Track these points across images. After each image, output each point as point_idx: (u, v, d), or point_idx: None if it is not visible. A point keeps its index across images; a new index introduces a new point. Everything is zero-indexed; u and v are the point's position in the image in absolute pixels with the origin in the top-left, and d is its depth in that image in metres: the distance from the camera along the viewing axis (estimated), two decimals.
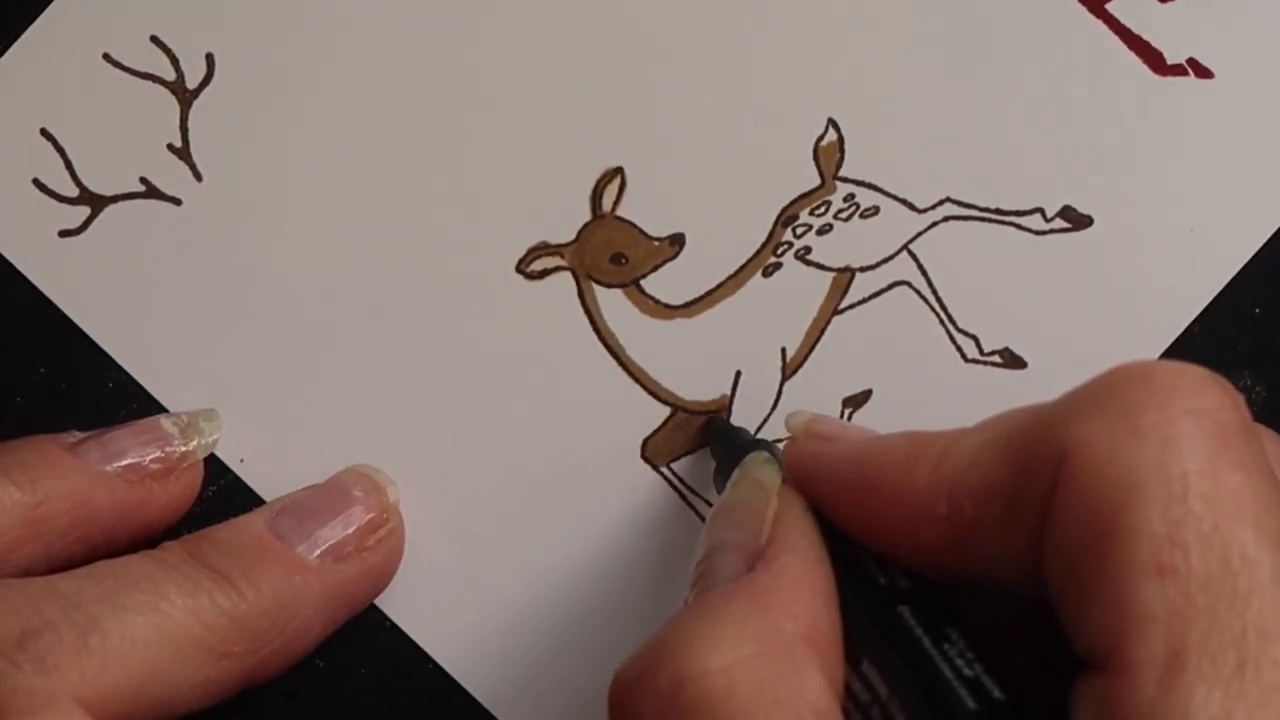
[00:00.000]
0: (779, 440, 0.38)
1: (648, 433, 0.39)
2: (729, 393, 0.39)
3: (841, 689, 0.28)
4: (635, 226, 0.40)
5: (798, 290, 0.39)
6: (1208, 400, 0.27)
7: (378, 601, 0.39)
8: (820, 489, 0.31)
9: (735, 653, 0.27)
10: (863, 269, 0.39)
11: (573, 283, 0.40)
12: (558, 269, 0.40)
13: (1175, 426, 0.27)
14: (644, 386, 0.39)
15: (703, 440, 0.39)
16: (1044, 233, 0.39)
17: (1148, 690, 0.25)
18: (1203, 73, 0.39)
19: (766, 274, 0.39)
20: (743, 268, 0.39)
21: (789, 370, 0.39)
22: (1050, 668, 0.28)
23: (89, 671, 0.32)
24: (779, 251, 0.39)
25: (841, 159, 0.40)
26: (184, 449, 0.38)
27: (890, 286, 0.39)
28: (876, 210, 0.39)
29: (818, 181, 0.39)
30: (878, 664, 0.28)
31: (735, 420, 0.39)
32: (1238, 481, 0.26)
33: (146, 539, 0.37)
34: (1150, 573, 0.26)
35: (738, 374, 0.39)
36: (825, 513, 0.31)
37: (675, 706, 0.27)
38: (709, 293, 0.39)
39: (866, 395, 0.39)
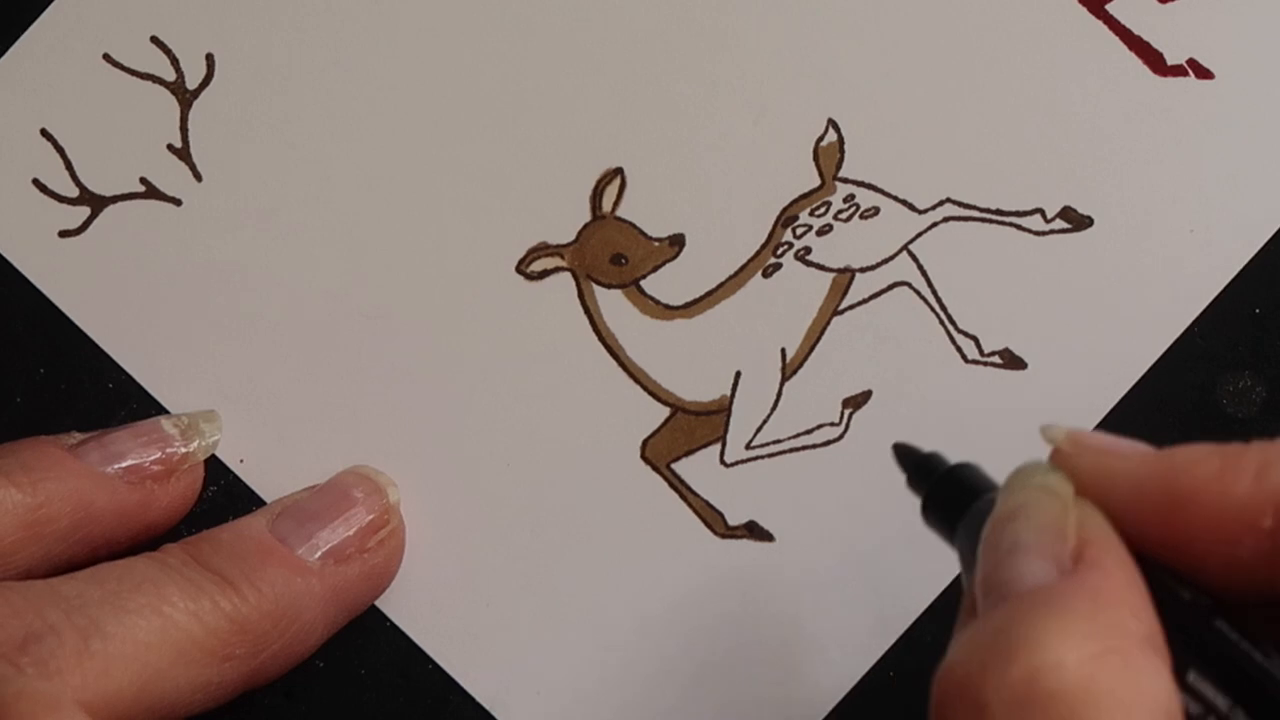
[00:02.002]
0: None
1: (648, 433, 0.39)
2: (729, 393, 0.39)
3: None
4: (635, 227, 0.40)
5: (798, 290, 0.39)
6: None
7: (378, 601, 0.39)
8: (1116, 504, 0.30)
9: (1090, 647, 0.27)
10: (863, 269, 0.39)
11: (573, 283, 0.40)
12: (558, 269, 0.40)
13: None
14: (644, 387, 0.39)
15: (905, 471, 0.37)
16: (1044, 233, 0.39)
17: None
18: (1203, 73, 0.39)
19: (766, 274, 0.39)
20: (743, 268, 0.39)
21: (789, 370, 0.39)
22: None
23: (91, 674, 0.32)
24: (779, 252, 0.39)
25: (841, 159, 0.40)
26: (184, 450, 0.38)
27: (890, 287, 0.39)
28: (876, 211, 0.39)
29: (818, 182, 0.39)
30: (1209, 676, 0.28)
31: (735, 422, 0.39)
32: None
33: (147, 540, 0.37)
34: None
35: (738, 374, 0.39)
36: (1119, 528, 0.30)
37: (1030, 698, 0.27)
38: (709, 293, 0.39)
39: (866, 395, 0.39)
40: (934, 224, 0.39)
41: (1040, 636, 0.27)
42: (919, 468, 0.35)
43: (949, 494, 0.33)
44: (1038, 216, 0.39)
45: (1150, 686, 0.27)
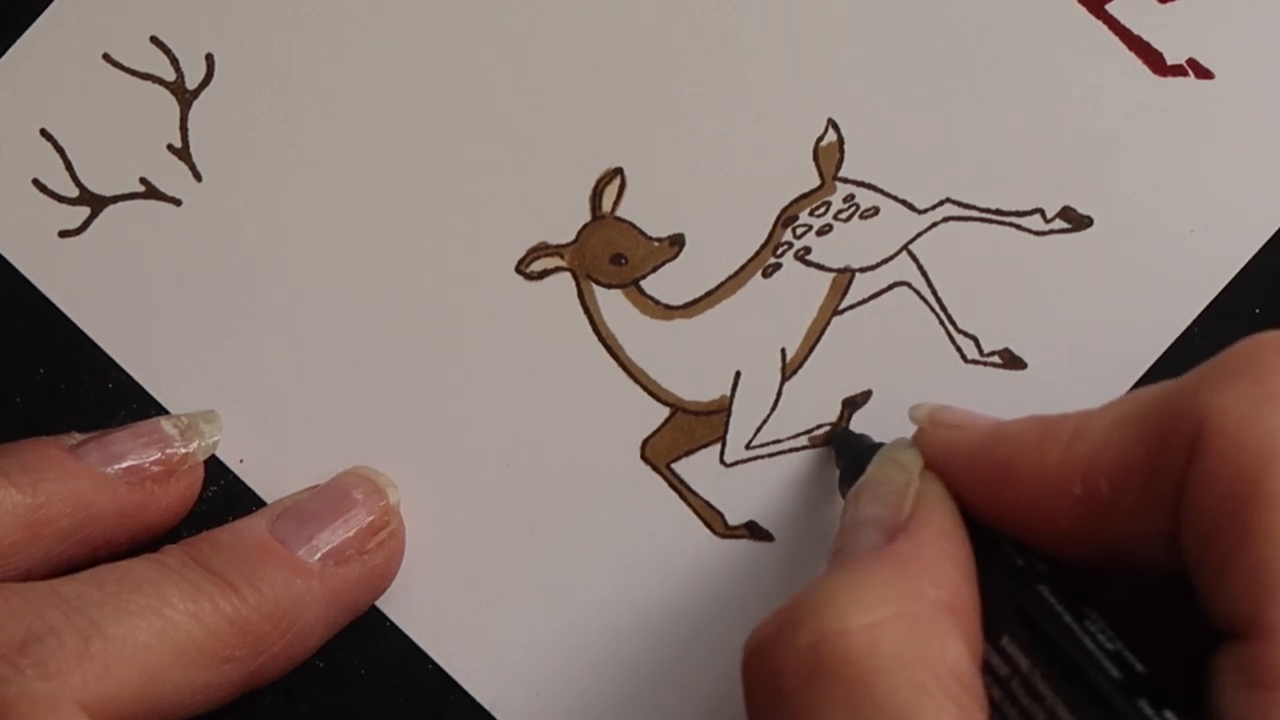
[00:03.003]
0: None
1: (648, 433, 0.39)
2: (729, 393, 0.39)
3: (980, 660, 0.29)
4: (635, 227, 0.40)
5: (798, 290, 0.39)
6: None
7: (378, 601, 0.39)
8: (954, 476, 0.31)
9: (877, 613, 0.27)
10: (863, 269, 0.39)
11: (572, 283, 0.40)
12: (557, 269, 0.40)
13: None
14: (644, 387, 0.39)
15: (835, 449, 0.38)
16: (1044, 233, 0.39)
17: None
18: (1203, 73, 0.39)
19: (766, 274, 0.39)
20: (742, 268, 0.39)
21: (789, 371, 0.39)
22: (1179, 643, 0.28)
23: (91, 676, 0.32)
24: (779, 252, 0.39)
25: (841, 159, 0.40)
26: (184, 451, 0.38)
27: (890, 287, 0.39)
28: (876, 211, 0.39)
29: (818, 182, 0.39)
30: (1018, 639, 0.29)
31: (735, 422, 0.39)
32: None
33: (147, 541, 0.37)
34: None
35: (738, 374, 0.39)
36: (961, 499, 0.31)
37: (815, 663, 0.27)
38: (709, 293, 0.39)
39: (866, 396, 0.39)
40: (934, 224, 0.39)
41: (830, 602, 0.28)
42: (843, 445, 0.37)
43: (858, 470, 0.34)
44: (1038, 216, 0.39)
45: (935, 649, 0.27)
